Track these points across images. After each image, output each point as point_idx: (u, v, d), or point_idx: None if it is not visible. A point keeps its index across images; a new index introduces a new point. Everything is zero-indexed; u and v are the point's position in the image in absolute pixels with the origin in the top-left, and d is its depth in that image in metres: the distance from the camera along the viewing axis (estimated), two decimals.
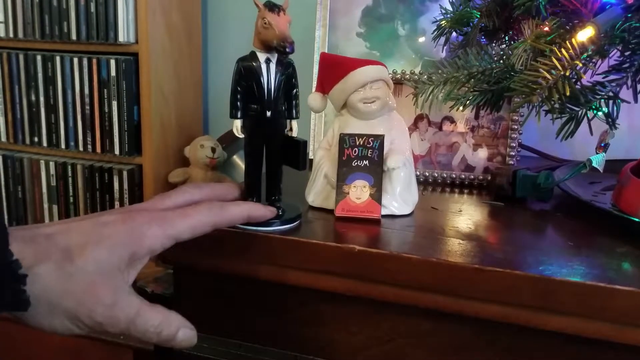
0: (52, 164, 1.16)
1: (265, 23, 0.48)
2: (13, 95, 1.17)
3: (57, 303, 0.37)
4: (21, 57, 1.14)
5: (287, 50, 0.47)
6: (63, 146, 1.15)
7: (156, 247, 0.41)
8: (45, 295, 0.36)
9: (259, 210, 0.49)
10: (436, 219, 0.59)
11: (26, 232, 0.38)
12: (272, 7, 0.48)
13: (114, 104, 1.09)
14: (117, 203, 1.13)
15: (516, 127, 0.73)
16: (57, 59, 1.11)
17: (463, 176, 0.74)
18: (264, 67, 0.50)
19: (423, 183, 0.74)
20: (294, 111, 0.52)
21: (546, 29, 0.53)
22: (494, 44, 0.66)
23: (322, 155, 0.59)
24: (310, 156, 0.77)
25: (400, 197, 0.57)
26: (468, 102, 0.59)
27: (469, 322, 0.48)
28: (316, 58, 0.89)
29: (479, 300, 0.46)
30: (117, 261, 0.39)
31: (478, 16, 0.65)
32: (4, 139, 1.20)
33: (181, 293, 0.59)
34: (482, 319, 0.47)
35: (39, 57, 1.13)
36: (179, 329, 0.41)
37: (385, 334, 0.52)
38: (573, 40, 0.49)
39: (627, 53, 0.53)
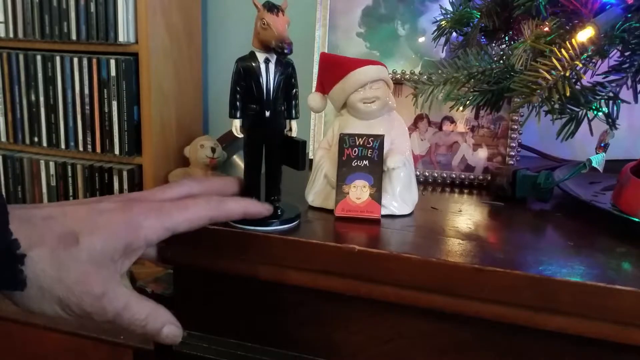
0: (52, 164, 1.16)
1: (264, 24, 0.48)
2: (13, 95, 1.17)
3: (48, 288, 0.37)
4: (21, 57, 1.14)
5: (285, 51, 0.47)
6: (63, 146, 1.15)
7: (152, 238, 0.41)
8: (37, 279, 0.37)
9: (256, 206, 0.49)
10: (436, 219, 0.59)
11: (23, 212, 0.38)
12: (271, 8, 0.48)
13: (114, 104, 1.09)
14: None
15: (516, 127, 0.73)
16: (57, 59, 1.11)
17: (463, 176, 0.74)
18: (263, 67, 0.50)
19: (423, 183, 0.74)
20: (293, 111, 0.52)
21: (546, 29, 0.53)
22: (494, 44, 0.66)
23: (322, 155, 0.59)
24: (310, 156, 0.77)
25: (400, 197, 0.57)
26: (468, 102, 0.59)
27: (469, 322, 0.48)
28: (316, 58, 0.89)
29: (479, 300, 0.46)
30: (111, 251, 0.39)
31: (478, 16, 0.65)
32: (4, 139, 1.20)
33: (181, 293, 0.59)
34: (482, 319, 0.47)
35: (39, 57, 1.13)
36: (164, 325, 0.41)
37: (385, 334, 0.52)
38: (573, 40, 0.49)
39: (627, 53, 0.53)
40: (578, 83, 0.52)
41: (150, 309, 0.41)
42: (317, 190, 0.59)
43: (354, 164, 0.56)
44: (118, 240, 0.39)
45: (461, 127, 0.75)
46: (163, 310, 0.42)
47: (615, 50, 0.53)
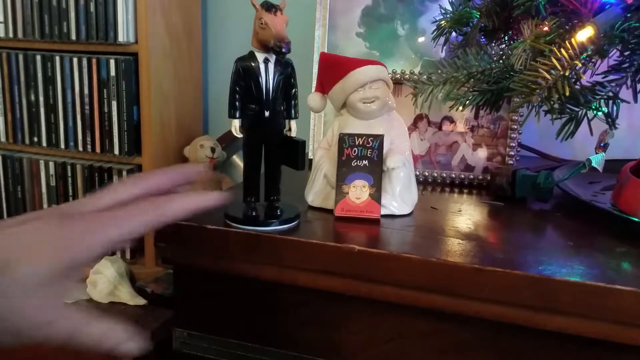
0: (51, 164, 1.16)
1: (262, 23, 0.48)
2: (13, 95, 1.16)
3: None
4: (21, 57, 1.14)
5: (284, 50, 0.47)
6: (63, 146, 1.15)
7: (95, 253, 0.39)
8: None
9: (206, 200, 0.44)
10: (436, 219, 0.59)
11: None
12: (269, 7, 0.48)
13: (114, 104, 1.09)
14: None
15: (516, 127, 0.73)
16: (57, 59, 1.11)
17: (463, 176, 0.74)
18: (262, 67, 0.50)
19: (423, 183, 0.74)
20: (292, 111, 0.52)
21: (546, 29, 0.53)
22: (493, 44, 0.66)
23: (322, 155, 0.59)
24: (310, 156, 0.77)
25: (399, 197, 0.57)
26: (468, 102, 0.59)
27: (469, 322, 0.48)
28: (316, 58, 0.89)
29: (479, 300, 0.46)
30: (51, 274, 0.37)
31: (478, 16, 0.65)
32: (3, 139, 1.20)
33: (181, 293, 0.59)
34: (482, 319, 0.47)
35: (38, 57, 1.12)
36: (119, 344, 0.39)
37: (385, 334, 0.52)
38: (572, 40, 0.49)
39: (626, 53, 0.53)
40: (577, 83, 0.52)
41: (102, 329, 0.39)
42: (317, 190, 0.59)
43: (353, 163, 0.56)
44: (59, 261, 0.37)
45: (461, 127, 0.75)
46: (118, 328, 0.40)
47: (615, 50, 0.53)
